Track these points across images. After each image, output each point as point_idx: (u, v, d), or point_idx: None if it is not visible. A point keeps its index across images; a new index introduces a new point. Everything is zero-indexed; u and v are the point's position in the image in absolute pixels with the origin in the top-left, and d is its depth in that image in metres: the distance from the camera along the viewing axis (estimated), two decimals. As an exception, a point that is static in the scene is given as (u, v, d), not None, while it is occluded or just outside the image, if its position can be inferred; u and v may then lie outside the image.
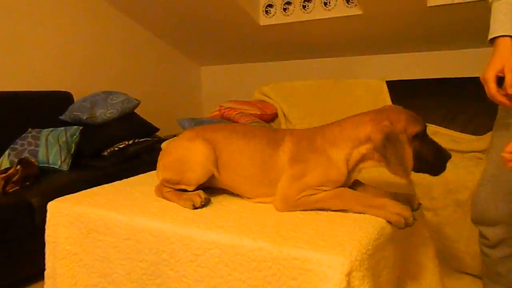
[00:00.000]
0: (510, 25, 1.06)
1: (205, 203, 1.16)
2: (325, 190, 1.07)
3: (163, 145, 2.42)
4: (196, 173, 1.18)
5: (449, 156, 1.06)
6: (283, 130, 1.21)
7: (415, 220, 1.02)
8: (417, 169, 1.07)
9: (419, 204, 1.15)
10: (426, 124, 1.09)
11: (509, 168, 0.94)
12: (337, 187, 1.08)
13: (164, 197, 1.23)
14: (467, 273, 1.79)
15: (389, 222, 1.02)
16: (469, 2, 2.32)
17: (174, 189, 1.22)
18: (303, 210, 1.09)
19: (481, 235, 1.29)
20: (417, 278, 1.29)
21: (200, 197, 1.15)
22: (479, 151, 2.07)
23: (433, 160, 1.06)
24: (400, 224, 1.00)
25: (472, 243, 1.74)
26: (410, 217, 1.00)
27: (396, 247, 1.07)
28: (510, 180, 1.19)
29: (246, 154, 1.18)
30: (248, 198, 1.20)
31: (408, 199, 1.14)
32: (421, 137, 1.06)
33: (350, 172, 1.10)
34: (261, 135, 1.19)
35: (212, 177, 1.21)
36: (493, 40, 1.09)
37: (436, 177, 1.80)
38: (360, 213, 1.05)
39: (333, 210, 1.07)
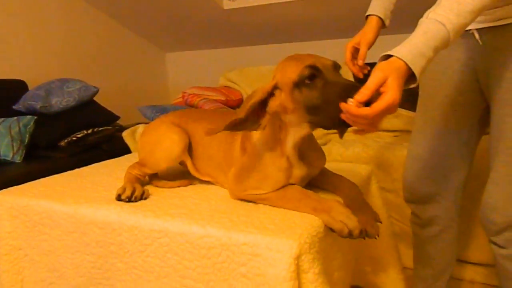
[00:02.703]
0: (379, 7, 1.18)
1: (130, 201, 1.04)
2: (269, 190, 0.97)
3: (124, 133, 2.34)
4: (160, 158, 1.14)
5: (354, 88, 0.75)
6: None
7: (364, 234, 0.88)
8: (316, 123, 0.86)
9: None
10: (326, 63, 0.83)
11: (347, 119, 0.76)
12: (284, 168, 0.96)
13: (125, 175, 1.18)
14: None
15: (331, 229, 0.87)
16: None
17: (139, 173, 1.17)
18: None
19: (413, 214, 1.30)
20: (376, 259, 1.29)
21: (133, 191, 1.05)
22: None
23: (322, 102, 0.79)
24: (342, 233, 0.84)
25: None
26: (356, 229, 0.84)
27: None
28: (434, 157, 1.19)
29: (215, 144, 1.13)
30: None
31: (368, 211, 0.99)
32: (309, 82, 0.82)
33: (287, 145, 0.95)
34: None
35: (187, 169, 1.17)
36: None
37: (397, 157, 1.82)
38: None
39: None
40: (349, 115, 0.74)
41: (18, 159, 2.11)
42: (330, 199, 0.92)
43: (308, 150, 1.00)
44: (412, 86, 0.79)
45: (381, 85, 0.74)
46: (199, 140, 1.17)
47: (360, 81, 0.83)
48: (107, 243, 0.99)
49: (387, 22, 1.19)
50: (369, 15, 1.19)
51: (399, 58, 0.76)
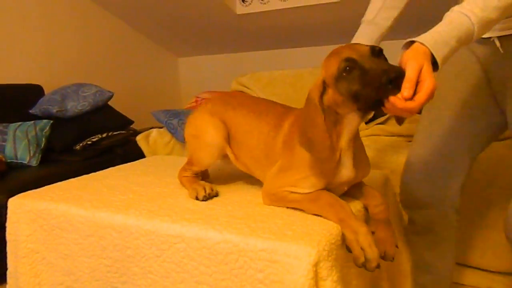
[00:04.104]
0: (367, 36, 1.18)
1: (209, 197, 1.09)
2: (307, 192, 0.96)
3: (138, 138, 2.36)
4: (206, 154, 1.16)
5: (396, 73, 0.76)
6: (293, 109, 1.13)
7: (377, 268, 0.84)
8: (363, 108, 0.86)
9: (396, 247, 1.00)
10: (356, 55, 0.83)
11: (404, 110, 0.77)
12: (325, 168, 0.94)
13: (180, 182, 1.21)
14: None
15: (348, 249, 0.86)
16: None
17: (193, 174, 1.19)
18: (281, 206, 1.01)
19: (409, 221, 1.27)
20: (393, 265, 1.27)
21: (204, 190, 1.09)
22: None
23: (362, 87, 0.80)
24: (356, 262, 0.84)
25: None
26: (373, 261, 0.82)
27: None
28: (436, 159, 1.16)
29: (255, 134, 1.11)
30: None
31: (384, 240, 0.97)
32: (349, 71, 0.83)
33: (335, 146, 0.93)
34: (273, 114, 1.12)
35: (228, 158, 1.18)
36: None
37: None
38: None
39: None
40: (394, 108, 0.77)
41: (34, 162, 2.14)
42: (361, 221, 0.89)
43: (358, 152, 0.99)
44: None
45: (419, 74, 0.76)
46: (238, 128, 1.15)
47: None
48: (124, 246, 1.00)
49: None
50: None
51: (422, 44, 0.78)
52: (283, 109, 1.12)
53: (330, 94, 0.89)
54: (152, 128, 2.51)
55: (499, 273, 1.70)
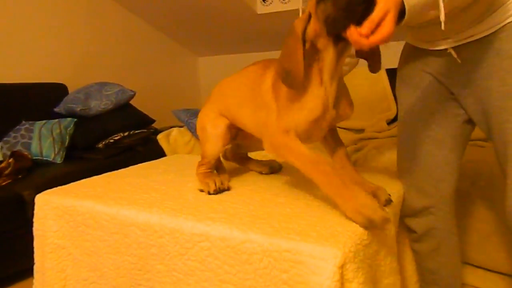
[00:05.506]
0: None
1: (219, 191, 1.12)
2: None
3: (159, 136, 2.38)
4: (211, 146, 1.21)
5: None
6: None
7: (387, 220, 0.85)
8: (331, 30, 0.88)
9: (389, 200, 1.04)
10: None
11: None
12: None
13: (197, 177, 1.23)
14: (468, 263, 1.76)
15: (352, 220, 0.87)
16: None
17: (206, 168, 1.23)
18: (282, 161, 1.02)
19: (408, 230, 1.26)
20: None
21: (215, 184, 1.13)
22: (480, 140, 2.02)
23: (334, 9, 0.85)
24: (363, 225, 0.85)
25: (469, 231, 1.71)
26: (379, 218, 0.84)
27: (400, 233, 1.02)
28: (422, 169, 1.16)
29: (243, 74, 1.16)
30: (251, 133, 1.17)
31: (374, 193, 1.02)
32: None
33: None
34: (260, 62, 1.16)
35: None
36: None
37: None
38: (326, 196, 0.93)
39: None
40: (350, 38, 0.83)
41: (58, 160, 2.19)
42: (358, 188, 0.90)
43: (341, 90, 1.02)
44: (399, 23, 0.83)
45: (384, 18, 0.80)
46: (229, 91, 1.21)
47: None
48: (148, 245, 1.01)
49: None
50: None
51: None
52: (271, 59, 1.15)
53: (312, 24, 0.93)
54: (173, 127, 2.53)
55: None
